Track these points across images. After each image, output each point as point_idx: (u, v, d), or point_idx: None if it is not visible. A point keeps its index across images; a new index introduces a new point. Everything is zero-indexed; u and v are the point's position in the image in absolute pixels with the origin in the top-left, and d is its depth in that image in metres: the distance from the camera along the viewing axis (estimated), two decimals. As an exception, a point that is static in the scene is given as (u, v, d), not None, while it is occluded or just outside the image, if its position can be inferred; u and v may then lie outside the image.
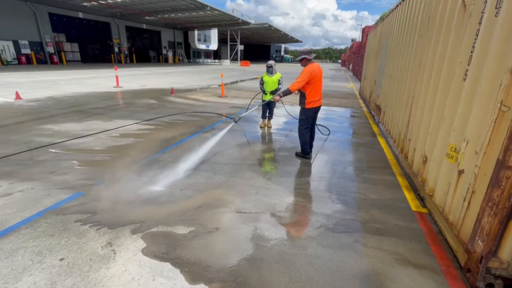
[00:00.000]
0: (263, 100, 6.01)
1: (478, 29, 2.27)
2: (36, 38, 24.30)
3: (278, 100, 4.30)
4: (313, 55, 4.10)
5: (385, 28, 7.34)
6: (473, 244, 1.97)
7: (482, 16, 2.25)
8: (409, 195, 3.33)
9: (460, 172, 2.33)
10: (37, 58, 24.61)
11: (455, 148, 2.46)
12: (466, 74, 2.39)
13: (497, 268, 1.86)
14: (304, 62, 4.11)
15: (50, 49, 25.49)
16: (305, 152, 4.46)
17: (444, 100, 2.78)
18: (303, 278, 2.02)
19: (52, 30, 25.55)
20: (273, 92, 5.86)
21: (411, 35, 4.38)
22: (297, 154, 4.60)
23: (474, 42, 2.31)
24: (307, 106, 4.20)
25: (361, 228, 2.66)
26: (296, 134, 4.48)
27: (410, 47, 4.41)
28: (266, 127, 6.32)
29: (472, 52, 2.33)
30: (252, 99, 7.85)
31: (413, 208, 3.04)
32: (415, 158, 3.60)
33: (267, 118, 6.28)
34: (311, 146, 4.60)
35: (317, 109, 4.31)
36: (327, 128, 5.91)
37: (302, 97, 4.20)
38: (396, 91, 5.11)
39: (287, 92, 4.14)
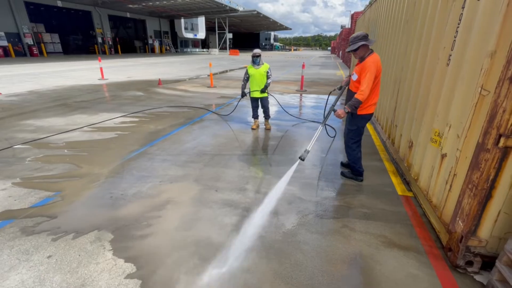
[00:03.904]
0: (251, 98, 5.17)
1: (461, 13, 2.28)
2: (12, 29, 23.04)
3: (343, 117, 2.96)
4: (373, 40, 2.87)
5: (372, 14, 7.29)
6: (454, 225, 2.04)
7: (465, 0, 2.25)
8: (395, 180, 3.41)
9: (443, 156, 2.39)
10: (15, 50, 23.45)
11: (439, 133, 2.51)
12: (449, 59, 2.41)
13: (476, 246, 1.94)
14: (362, 51, 2.85)
15: (29, 40, 24.25)
16: (358, 172, 3.32)
17: (429, 85, 2.81)
18: (292, 263, 2.06)
19: (29, 20, 24.24)
20: (262, 91, 4.97)
21: (398, 20, 4.37)
22: (343, 174, 3.45)
23: (457, 27, 2.32)
24: (360, 112, 2.99)
25: (349, 213, 2.72)
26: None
27: (396, 33, 4.40)
28: (258, 128, 5.41)
29: (455, 36, 2.35)
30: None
31: (399, 192, 3.12)
32: (401, 143, 3.67)
33: (264, 118, 5.36)
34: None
35: (371, 116, 3.14)
36: (334, 129, 5.06)
37: (353, 97, 2.89)
38: (383, 77, 5.13)
39: (357, 103, 2.86)
